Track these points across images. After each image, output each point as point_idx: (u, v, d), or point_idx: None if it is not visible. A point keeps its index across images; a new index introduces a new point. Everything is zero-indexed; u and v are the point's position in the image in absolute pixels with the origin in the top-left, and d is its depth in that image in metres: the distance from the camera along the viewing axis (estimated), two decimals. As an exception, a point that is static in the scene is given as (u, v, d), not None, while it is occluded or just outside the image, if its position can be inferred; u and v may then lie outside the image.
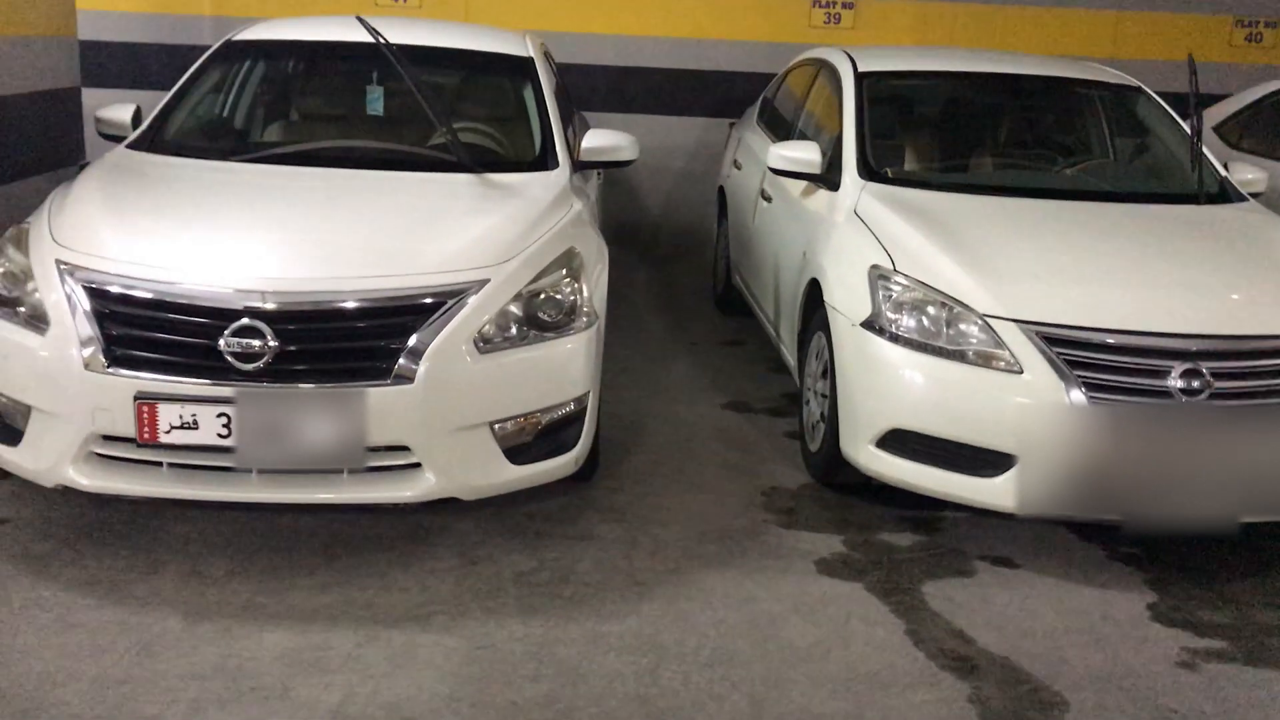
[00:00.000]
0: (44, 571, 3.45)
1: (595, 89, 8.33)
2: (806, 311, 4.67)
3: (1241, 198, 4.82)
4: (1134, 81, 5.46)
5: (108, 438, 3.36)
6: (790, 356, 5.00)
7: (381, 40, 4.28)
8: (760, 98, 6.95)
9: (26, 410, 3.43)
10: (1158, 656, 3.36)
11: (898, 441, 3.88)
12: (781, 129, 6.09)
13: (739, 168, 6.55)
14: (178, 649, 3.09)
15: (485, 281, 3.56)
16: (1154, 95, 5.35)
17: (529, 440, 3.66)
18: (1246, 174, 4.99)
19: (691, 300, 7.33)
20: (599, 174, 5.64)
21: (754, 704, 3.01)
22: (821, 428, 4.34)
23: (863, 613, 3.50)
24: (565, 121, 5.55)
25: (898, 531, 4.07)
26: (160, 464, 3.40)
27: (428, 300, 3.47)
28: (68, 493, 3.46)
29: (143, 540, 3.67)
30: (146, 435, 3.30)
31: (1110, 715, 3.05)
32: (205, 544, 3.67)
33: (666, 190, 8.70)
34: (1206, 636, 3.49)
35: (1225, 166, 5.01)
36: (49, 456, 3.41)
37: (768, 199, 5.67)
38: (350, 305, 3.41)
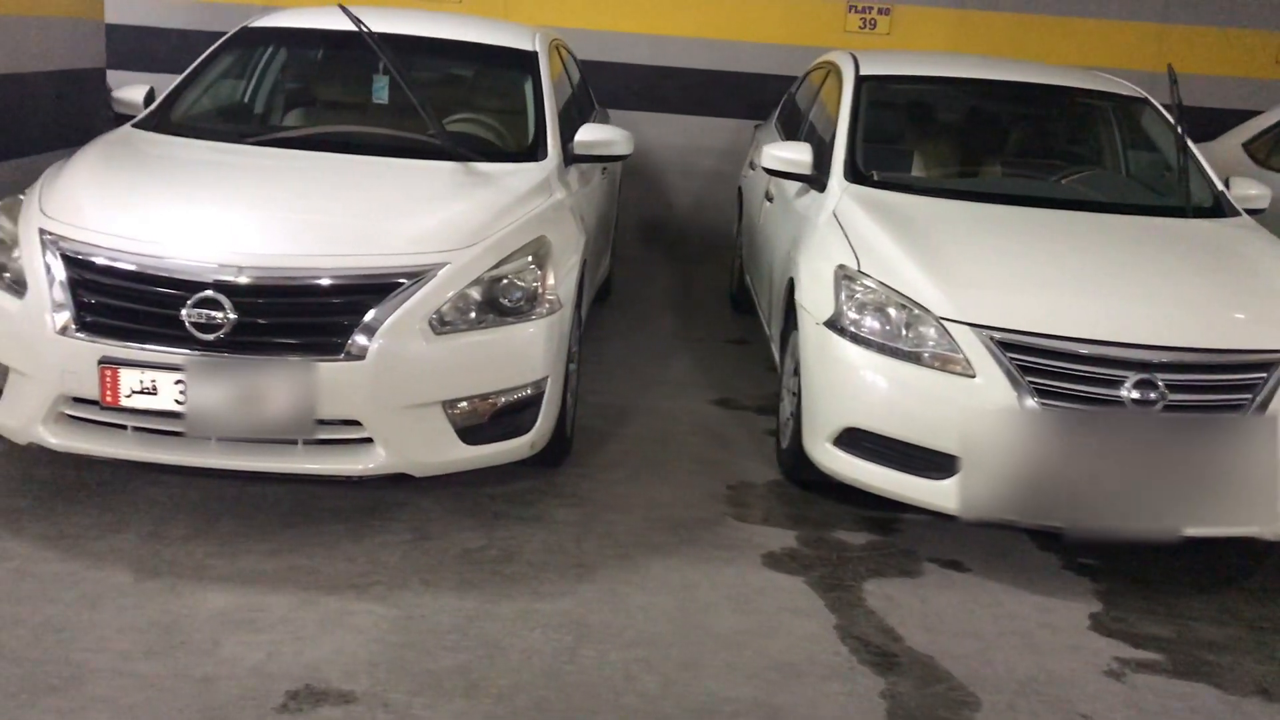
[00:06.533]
0: (14, 525, 3.62)
1: (630, 88, 8.42)
2: (787, 310, 4.70)
3: (1236, 213, 4.75)
4: (1141, 93, 5.40)
5: (76, 399, 3.53)
6: (776, 354, 5.04)
7: (364, 29, 4.41)
8: (781, 100, 6.99)
9: (4, 371, 3.61)
10: (1086, 665, 3.35)
11: (853, 440, 3.91)
12: (793, 130, 6.13)
13: (753, 168, 6.59)
14: (120, 603, 3.23)
15: (444, 265, 3.67)
16: (1160, 107, 5.29)
17: (483, 421, 3.76)
18: (1249, 190, 4.92)
19: (707, 299, 7.39)
20: (604, 169, 5.72)
21: (664, 685, 3.07)
22: (791, 425, 4.38)
23: (796, 606, 3.54)
24: (580, 116, 5.65)
25: (854, 530, 4.09)
26: (125, 427, 3.55)
27: (385, 280, 3.58)
28: (50, 453, 3.63)
29: (113, 500, 3.83)
30: (109, 398, 3.45)
31: (1018, 718, 3.05)
32: (172, 507, 3.82)
33: (696, 190, 8.77)
34: (1142, 648, 3.47)
35: (1227, 182, 4.94)
36: (22, 415, 3.58)
37: (770, 199, 5.71)
38: (308, 282, 3.54)
